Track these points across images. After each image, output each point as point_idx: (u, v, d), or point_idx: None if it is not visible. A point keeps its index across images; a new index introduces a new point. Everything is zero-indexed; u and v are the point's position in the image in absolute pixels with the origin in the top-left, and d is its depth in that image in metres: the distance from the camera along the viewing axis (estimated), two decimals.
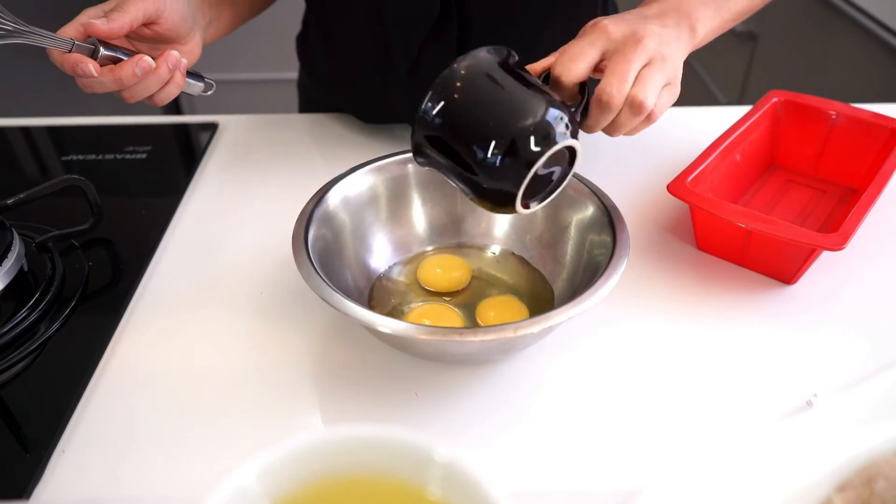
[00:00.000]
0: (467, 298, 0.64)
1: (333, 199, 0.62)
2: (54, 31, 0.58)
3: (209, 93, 0.70)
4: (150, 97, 0.64)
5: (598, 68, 0.58)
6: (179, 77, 0.64)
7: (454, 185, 0.54)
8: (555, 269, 0.65)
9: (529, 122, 0.50)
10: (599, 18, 0.58)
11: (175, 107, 2.17)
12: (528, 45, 0.80)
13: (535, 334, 0.49)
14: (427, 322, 0.59)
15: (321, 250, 0.58)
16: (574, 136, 0.52)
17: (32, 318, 0.61)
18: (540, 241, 0.67)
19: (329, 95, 0.94)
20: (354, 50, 0.83)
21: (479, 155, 0.50)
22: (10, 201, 0.69)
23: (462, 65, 0.51)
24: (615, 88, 0.54)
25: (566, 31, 0.81)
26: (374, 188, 0.65)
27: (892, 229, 0.72)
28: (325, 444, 0.31)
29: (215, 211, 0.77)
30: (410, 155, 0.67)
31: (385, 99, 0.85)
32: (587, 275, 0.59)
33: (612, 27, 0.56)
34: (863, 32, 1.30)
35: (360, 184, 0.64)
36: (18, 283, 0.64)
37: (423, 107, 0.51)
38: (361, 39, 0.81)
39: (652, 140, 0.87)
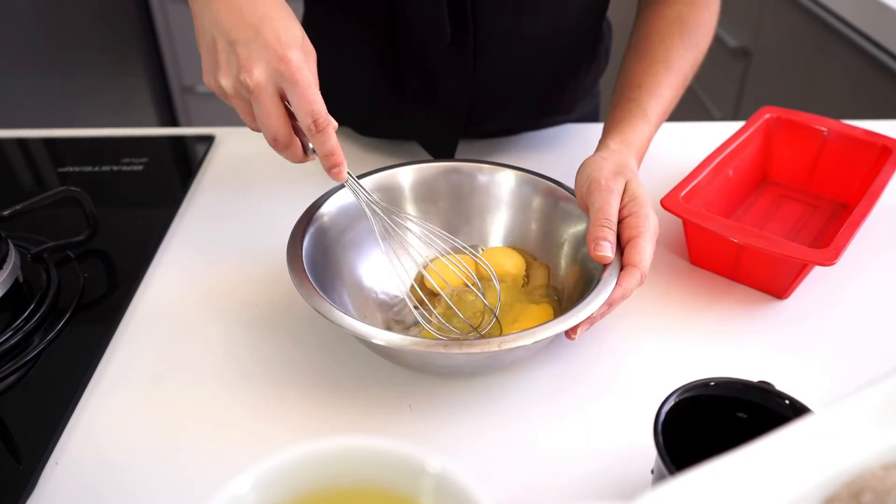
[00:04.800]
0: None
1: (328, 211, 0.63)
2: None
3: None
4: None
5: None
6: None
7: None
8: (548, 283, 0.65)
9: None
10: (642, 199, 0.60)
11: (171, 119, 2.18)
12: (540, 53, 0.81)
13: (523, 348, 0.50)
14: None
15: (315, 262, 0.58)
16: None
17: (27, 329, 0.61)
18: (534, 254, 0.67)
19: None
20: (362, 68, 0.83)
21: None
22: (6, 212, 0.69)
23: None
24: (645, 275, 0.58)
25: (574, 45, 0.83)
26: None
27: (883, 244, 0.73)
28: (319, 454, 0.31)
29: (211, 223, 0.78)
30: (404, 167, 0.68)
31: (392, 115, 0.85)
32: (580, 288, 0.59)
33: (652, 215, 0.60)
34: (855, 50, 1.31)
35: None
36: (13, 294, 0.64)
37: None
38: (371, 58, 0.81)
39: (646, 155, 0.87)
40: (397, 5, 0.74)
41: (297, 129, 0.57)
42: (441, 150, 0.82)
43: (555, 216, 0.65)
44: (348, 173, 0.58)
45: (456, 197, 0.69)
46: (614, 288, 0.55)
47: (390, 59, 0.79)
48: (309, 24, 0.90)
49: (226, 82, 0.55)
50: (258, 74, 0.53)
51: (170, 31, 2.01)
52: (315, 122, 0.54)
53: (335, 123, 0.56)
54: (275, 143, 0.57)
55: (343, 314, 0.51)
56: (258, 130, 0.58)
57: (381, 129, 0.89)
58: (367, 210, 0.59)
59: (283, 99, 0.55)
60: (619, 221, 0.59)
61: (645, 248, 0.57)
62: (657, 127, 0.71)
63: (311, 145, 0.57)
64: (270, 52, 0.53)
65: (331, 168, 0.57)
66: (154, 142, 0.93)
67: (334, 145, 0.56)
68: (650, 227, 0.58)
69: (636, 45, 0.76)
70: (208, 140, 0.92)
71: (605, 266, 0.56)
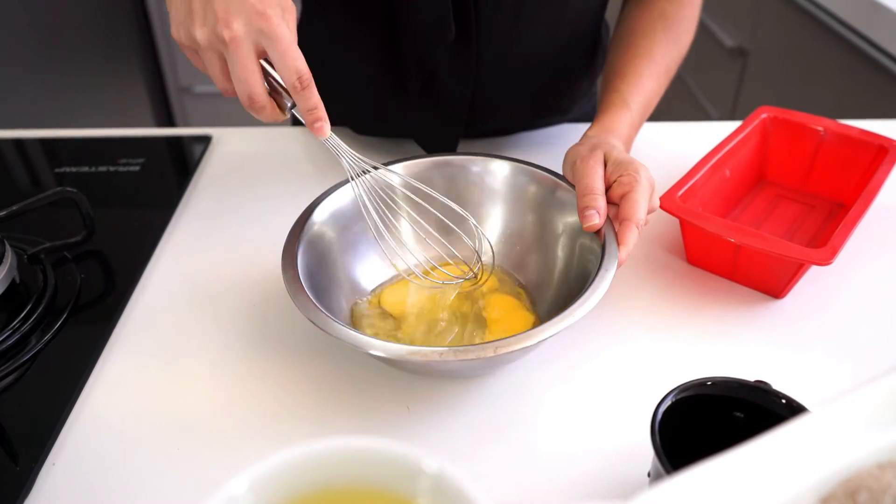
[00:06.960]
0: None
1: (323, 214, 0.62)
2: None
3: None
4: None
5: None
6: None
7: None
8: (545, 278, 0.65)
9: None
10: (626, 161, 0.62)
11: (168, 119, 2.17)
12: (539, 53, 0.81)
13: (519, 350, 0.50)
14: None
15: (311, 267, 0.58)
16: None
17: (24, 329, 0.61)
18: (530, 249, 0.67)
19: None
20: (362, 66, 0.82)
21: None
22: (2, 213, 0.69)
23: None
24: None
25: (573, 46, 0.83)
26: (363, 202, 0.65)
27: (880, 244, 0.73)
28: (316, 455, 0.31)
29: (208, 223, 0.78)
30: (398, 167, 0.68)
31: (393, 114, 0.85)
32: (577, 283, 0.59)
33: (642, 170, 0.61)
34: (852, 49, 1.31)
35: (349, 198, 0.64)
36: (10, 294, 0.64)
37: None
38: (371, 56, 0.80)
39: (643, 155, 0.87)
40: (399, 4, 0.74)
41: (270, 88, 0.56)
42: (441, 149, 0.82)
43: (551, 206, 0.65)
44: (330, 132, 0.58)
45: (451, 190, 0.69)
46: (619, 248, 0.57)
47: (392, 58, 0.79)
48: (308, 21, 0.90)
49: (200, 34, 0.53)
50: (237, 27, 0.51)
51: (166, 30, 2.01)
52: (300, 78, 0.53)
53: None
54: (251, 103, 0.55)
55: (341, 326, 0.50)
56: (229, 92, 0.56)
57: (381, 127, 0.89)
58: (350, 173, 0.60)
59: (259, 56, 0.54)
60: (610, 186, 0.61)
61: (637, 201, 0.58)
62: (642, 114, 0.72)
63: (288, 103, 0.57)
64: (249, 7, 0.52)
65: (313, 122, 0.56)
66: (151, 142, 0.93)
67: (318, 100, 0.55)
68: (641, 181, 0.59)
69: (619, 39, 0.78)
70: (205, 140, 0.92)
71: (602, 257, 0.56)
